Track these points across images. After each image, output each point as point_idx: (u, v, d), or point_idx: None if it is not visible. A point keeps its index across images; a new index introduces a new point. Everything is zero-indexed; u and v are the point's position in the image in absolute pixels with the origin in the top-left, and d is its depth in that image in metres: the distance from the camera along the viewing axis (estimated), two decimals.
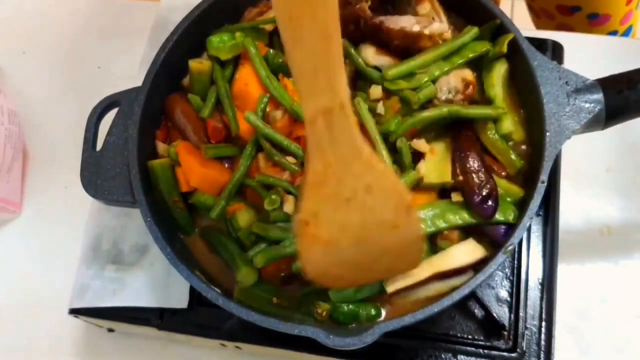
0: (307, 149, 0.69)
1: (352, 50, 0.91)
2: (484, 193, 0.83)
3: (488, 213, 0.84)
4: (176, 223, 0.92)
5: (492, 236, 0.86)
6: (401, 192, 0.73)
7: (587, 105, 0.85)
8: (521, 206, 0.86)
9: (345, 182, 0.70)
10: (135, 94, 0.92)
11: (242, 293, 0.86)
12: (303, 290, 0.86)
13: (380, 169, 0.71)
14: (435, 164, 0.87)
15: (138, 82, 0.92)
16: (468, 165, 0.85)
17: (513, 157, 0.89)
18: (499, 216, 0.85)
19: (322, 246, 0.74)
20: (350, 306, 0.84)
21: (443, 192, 0.89)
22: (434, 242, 0.87)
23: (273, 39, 0.98)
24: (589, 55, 1.11)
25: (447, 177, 0.87)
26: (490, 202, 0.83)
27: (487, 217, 0.84)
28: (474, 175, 0.85)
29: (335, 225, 0.73)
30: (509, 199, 0.87)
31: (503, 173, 0.89)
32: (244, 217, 0.89)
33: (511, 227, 0.85)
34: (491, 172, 0.86)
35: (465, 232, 0.87)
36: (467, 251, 0.85)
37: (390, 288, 0.82)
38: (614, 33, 1.47)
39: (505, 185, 0.87)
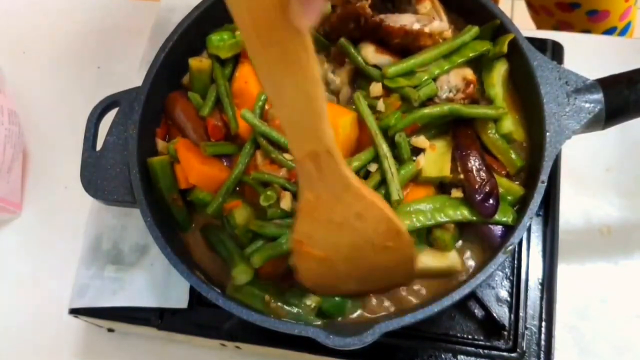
0: (299, 182, 0.73)
1: (352, 50, 0.91)
2: (485, 191, 0.84)
3: (489, 212, 0.84)
4: (174, 220, 0.91)
5: (489, 238, 0.86)
6: (390, 219, 0.77)
7: (587, 105, 0.85)
8: (521, 206, 0.86)
9: (336, 210, 0.74)
10: (135, 94, 0.92)
11: (235, 289, 0.86)
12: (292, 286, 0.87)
13: (369, 200, 0.74)
14: (435, 158, 0.87)
15: (138, 82, 0.92)
16: (469, 164, 0.85)
17: (513, 156, 0.89)
18: (498, 217, 0.85)
19: (316, 261, 0.80)
20: (336, 298, 0.85)
21: (442, 187, 0.89)
22: (430, 232, 0.87)
23: None
24: (589, 55, 1.11)
25: (446, 172, 0.87)
26: (491, 201, 0.84)
27: (488, 216, 0.84)
28: (476, 174, 0.85)
29: (328, 245, 0.79)
30: (509, 198, 0.87)
31: (503, 172, 0.89)
32: (241, 214, 0.89)
33: (508, 230, 0.84)
34: (492, 171, 0.86)
35: (460, 226, 0.87)
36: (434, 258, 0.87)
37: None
38: (612, 29, 1.47)
39: (506, 183, 0.87)
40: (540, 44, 1.06)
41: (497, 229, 0.87)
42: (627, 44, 1.20)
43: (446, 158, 0.88)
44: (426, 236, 0.88)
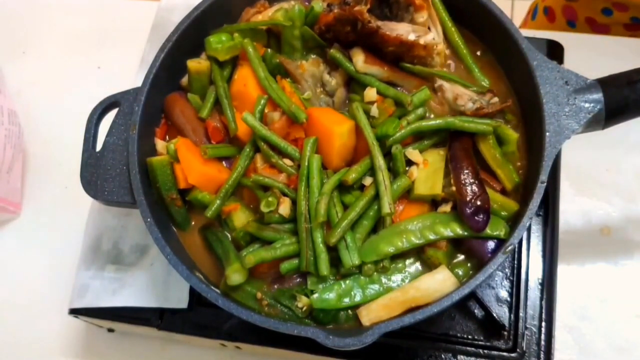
0: None
1: (344, 62, 0.91)
2: (476, 205, 0.82)
3: (479, 226, 0.82)
4: (172, 219, 0.91)
5: (479, 252, 0.84)
6: None
7: (586, 105, 0.85)
8: (519, 210, 0.85)
9: None
10: (135, 94, 0.92)
11: (228, 286, 0.85)
12: (284, 287, 0.86)
13: None
14: (427, 176, 0.86)
15: (138, 82, 0.92)
16: (462, 177, 0.84)
17: (512, 171, 0.88)
18: (490, 230, 0.83)
19: None
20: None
21: (436, 204, 0.88)
22: (423, 250, 0.85)
23: (270, 39, 0.97)
24: (589, 55, 1.11)
25: (437, 190, 0.86)
26: (481, 215, 0.82)
27: (478, 230, 0.82)
28: (468, 187, 0.83)
29: None
30: (504, 213, 0.85)
31: (498, 188, 0.87)
32: (239, 217, 0.89)
33: (500, 245, 0.83)
34: (485, 186, 0.85)
35: (453, 241, 0.86)
36: (440, 282, 0.82)
37: (366, 321, 0.82)
38: None
39: (501, 199, 0.86)
40: (540, 44, 1.06)
41: (490, 244, 0.84)
42: (627, 44, 1.19)
43: (438, 175, 0.86)
44: (418, 255, 0.86)
